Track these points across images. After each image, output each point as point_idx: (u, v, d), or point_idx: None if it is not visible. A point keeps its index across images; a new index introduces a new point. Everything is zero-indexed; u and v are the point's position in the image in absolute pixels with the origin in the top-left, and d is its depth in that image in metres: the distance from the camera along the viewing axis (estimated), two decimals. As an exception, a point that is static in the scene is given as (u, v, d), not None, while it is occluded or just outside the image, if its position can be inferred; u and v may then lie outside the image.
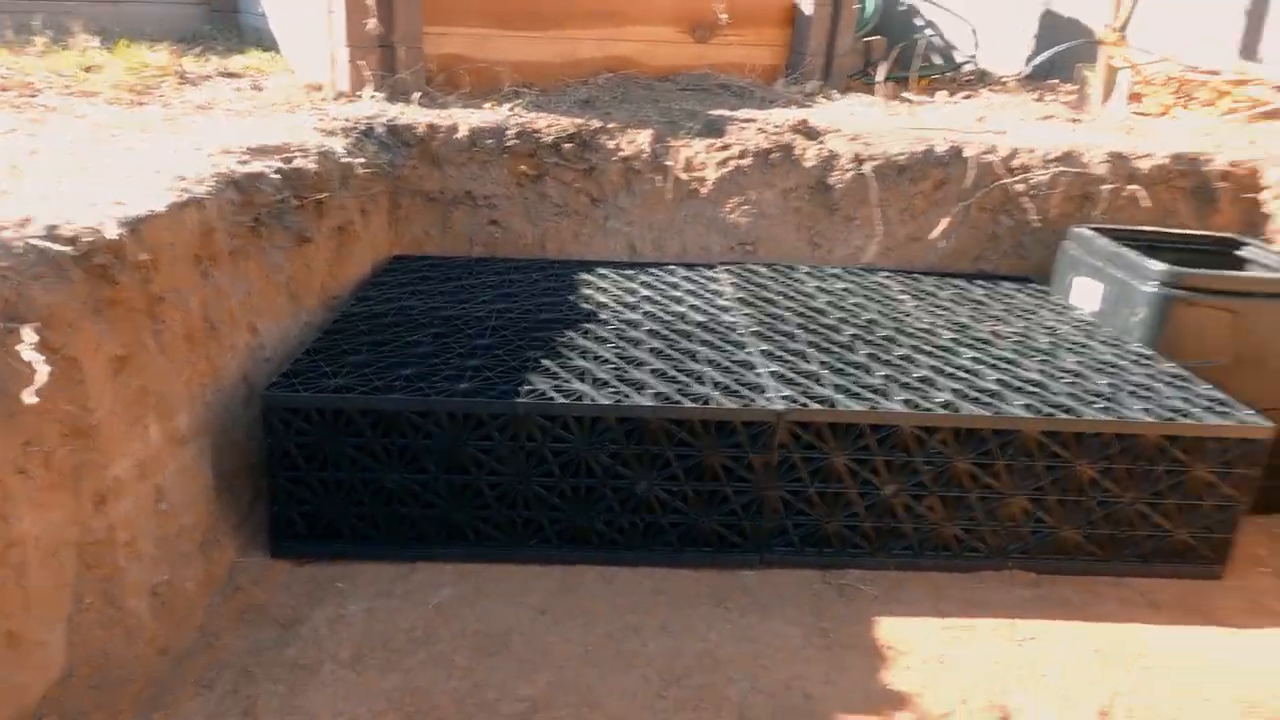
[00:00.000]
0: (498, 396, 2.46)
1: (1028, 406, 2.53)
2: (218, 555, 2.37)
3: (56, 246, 2.06)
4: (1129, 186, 3.77)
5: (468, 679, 2.09)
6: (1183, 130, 4.38)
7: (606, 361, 2.75)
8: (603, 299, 3.35)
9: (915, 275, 3.82)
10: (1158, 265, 3.10)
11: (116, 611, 1.96)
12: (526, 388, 2.52)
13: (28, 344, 1.82)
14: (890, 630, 2.35)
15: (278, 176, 2.98)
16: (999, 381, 2.71)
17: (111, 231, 2.17)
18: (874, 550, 2.59)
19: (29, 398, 1.72)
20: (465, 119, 3.88)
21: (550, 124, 3.89)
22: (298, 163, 3.12)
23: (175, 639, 2.10)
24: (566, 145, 3.86)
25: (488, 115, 3.95)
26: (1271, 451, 2.64)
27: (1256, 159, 3.90)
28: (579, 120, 3.93)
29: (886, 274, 3.81)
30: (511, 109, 4.04)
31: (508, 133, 3.84)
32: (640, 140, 3.90)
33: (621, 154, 3.89)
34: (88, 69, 4.30)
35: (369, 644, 2.18)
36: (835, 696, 2.11)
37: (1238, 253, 3.56)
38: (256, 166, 2.92)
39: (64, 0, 5.47)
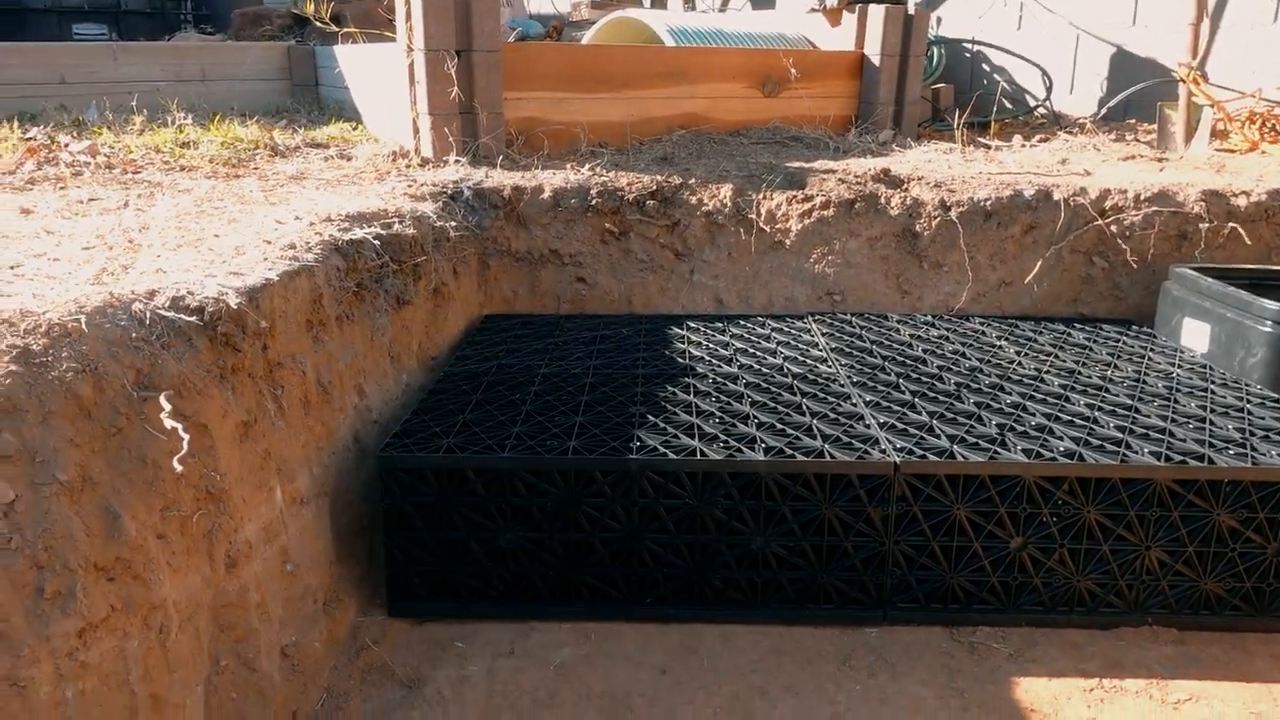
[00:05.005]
0: (608, 453, 2.44)
1: (1156, 454, 2.44)
2: (340, 615, 2.35)
3: (184, 317, 2.11)
4: (1229, 224, 3.68)
5: (598, 744, 2.03)
6: (1275, 166, 4.28)
7: (711, 415, 2.72)
8: (697, 353, 3.33)
9: (1010, 321, 3.74)
10: (1275, 304, 3.00)
11: (250, 673, 1.95)
12: (635, 444, 2.49)
13: (164, 412, 1.85)
14: (1030, 691, 2.24)
15: (378, 242, 3.04)
16: (1120, 428, 2.62)
17: (233, 301, 2.22)
18: (1003, 606, 2.49)
19: (177, 465, 1.74)
20: (548, 180, 3.94)
21: (632, 181, 3.93)
22: (396, 228, 3.17)
23: (304, 700, 2.08)
24: (649, 202, 3.89)
25: (570, 175, 4.01)
26: None
27: (1361, 192, 3.78)
28: (659, 177, 3.96)
29: (980, 320, 3.74)
30: (592, 169, 4.10)
31: (591, 191, 3.88)
32: (722, 194, 3.91)
33: (704, 208, 3.91)
34: (184, 145, 4.46)
35: (494, 706, 2.13)
36: (981, 762, 2.01)
37: (1349, 290, 3.43)
38: (358, 233, 2.98)
39: (156, 81, 5.72)
